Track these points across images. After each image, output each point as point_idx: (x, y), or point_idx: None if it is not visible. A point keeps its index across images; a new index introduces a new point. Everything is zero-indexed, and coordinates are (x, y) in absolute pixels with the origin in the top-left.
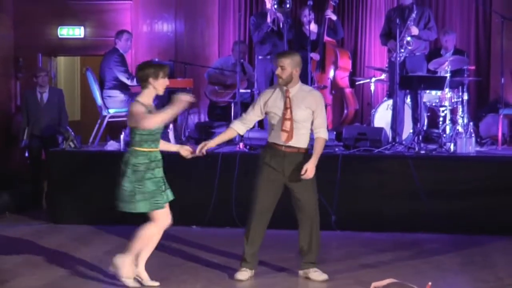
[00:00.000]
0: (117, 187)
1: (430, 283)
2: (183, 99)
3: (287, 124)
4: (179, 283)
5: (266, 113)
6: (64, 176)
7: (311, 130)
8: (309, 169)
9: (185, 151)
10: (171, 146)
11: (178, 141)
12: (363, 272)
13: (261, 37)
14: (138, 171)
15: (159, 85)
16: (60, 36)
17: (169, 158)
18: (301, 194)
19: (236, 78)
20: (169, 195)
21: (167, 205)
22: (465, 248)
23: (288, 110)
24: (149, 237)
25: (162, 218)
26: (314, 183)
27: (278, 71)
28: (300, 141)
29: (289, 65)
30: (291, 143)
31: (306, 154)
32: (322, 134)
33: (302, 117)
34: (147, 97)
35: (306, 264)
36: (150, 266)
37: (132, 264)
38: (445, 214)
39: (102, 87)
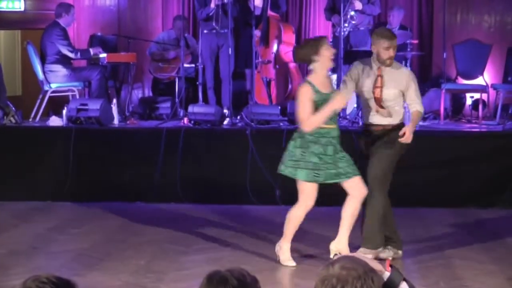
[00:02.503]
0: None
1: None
2: (340, 100)
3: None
4: (123, 258)
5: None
6: (4, 152)
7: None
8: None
9: None
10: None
11: (122, 116)
12: (308, 246)
13: (206, 15)
14: (305, 141)
15: (324, 57)
16: None
17: (114, 134)
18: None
19: (179, 52)
20: (329, 176)
21: (315, 185)
22: (408, 221)
23: (379, 89)
24: (295, 218)
25: (308, 195)
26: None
27: (392, 53)
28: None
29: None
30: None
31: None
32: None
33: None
34: (316, 76)
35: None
36: (93, 242)
37: (288, 249)
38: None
39: (43, 62)
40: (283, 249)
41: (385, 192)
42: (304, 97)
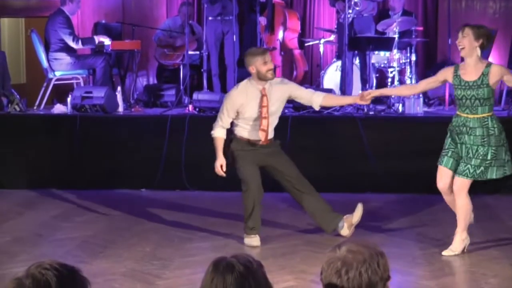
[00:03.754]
0: None
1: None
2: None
3: (265, 122)
4: (128, 246)
5: (238, 112)
6: (9, 140)
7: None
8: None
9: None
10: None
11: (126, 103)
12: (312, 233)
13: None
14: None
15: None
16: None
17: (119, 122)
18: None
19: (185, 39)
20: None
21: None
22: (413, 207)
23: (265, 108)
24: (466, 205)
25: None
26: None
27: (270, 65)
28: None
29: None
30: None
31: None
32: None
33: (277, 110)
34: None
35: None
36: (98, 229)
37: (463, 240)
38: (393, 174)
39: (47, 49)
40: (457, 238)
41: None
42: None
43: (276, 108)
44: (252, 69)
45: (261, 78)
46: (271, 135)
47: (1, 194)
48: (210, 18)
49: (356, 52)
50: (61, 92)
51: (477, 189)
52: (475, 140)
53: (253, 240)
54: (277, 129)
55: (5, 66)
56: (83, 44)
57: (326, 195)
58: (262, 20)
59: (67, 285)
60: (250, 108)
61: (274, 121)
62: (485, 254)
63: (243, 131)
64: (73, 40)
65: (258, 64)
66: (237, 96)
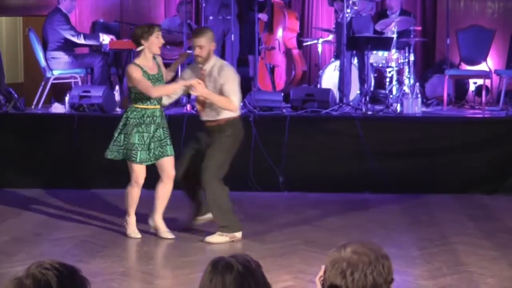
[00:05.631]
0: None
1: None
2: (193, 84)
3: (199, 102)
4: (126, 245)
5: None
6: (7, 139)
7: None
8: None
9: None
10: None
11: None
12: (311, 233)
13: None
14: (129, 125)
15: (152, 44)
16: None
17: (116, 121)
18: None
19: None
20: (150, 156)
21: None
22: (411, 207)
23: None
24: (130, 194)
25: (138, 174)
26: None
27: (197, 51)
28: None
29: (206, 43)
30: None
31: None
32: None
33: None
34: (143, 58)
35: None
36: (97, 229)
37: (134, 222)
38: (391, 174)
39: (45, 48)
40: (129, 223)
41: (217, 180)
42: (138, 74)
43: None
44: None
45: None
46: (212, 117)
47: None
48: (210, 17)
49: (354, 52)
50: (59, 91)
51: (474, 190)
52: None
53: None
54: (275, 128)
55: (1, 65)
56: (85, 38)
57: (325, 195)
58: (262, 16)
59: (67, 285)
60: None
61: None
62: (483, 254)
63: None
64: (74, 35)
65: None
66: (184, 72)
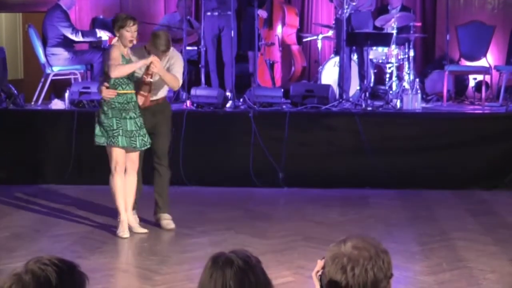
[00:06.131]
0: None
1: None
2: (153, 60)
3: (146, 88)
4: (126, 241)
5: None
6: (6, 135)
7: None
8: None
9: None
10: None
11: None
12: (311, 229)
13: None
14: (116, 109)
15: (121, 37)
16: None
17: None
18: None
19: (187, 32)
20: (125, 140)
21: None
22: (411, 203)
23: (149, 76)
24: (113, 186)
25: (116, 159)
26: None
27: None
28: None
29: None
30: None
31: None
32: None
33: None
34: (119, 44)
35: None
36: (96, 225)
37: (125, 220)
38: (391, 169)
39: (45, 45)
40: (120, 220)
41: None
42: (115, 52)
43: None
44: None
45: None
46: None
47: None
48: (208, 13)
49: (354, 47)
50: (58, 87)
51: (474, 185)
52: None
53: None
54: (275, 124)
55: (4, 62)
56: (83, 36)
57: (325, 191)
58: (262, 13)
59: (66, 280)
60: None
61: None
62: (483, 249)
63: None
64: (72, 33)
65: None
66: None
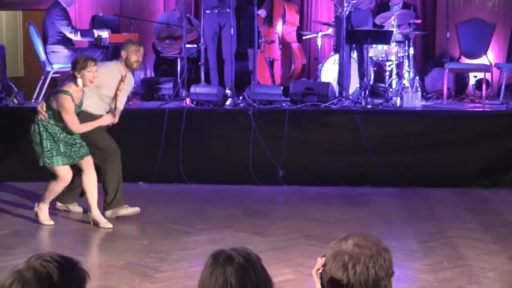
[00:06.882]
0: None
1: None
2: (109, 119)
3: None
4: (126, 239)
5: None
6: (7, 132)
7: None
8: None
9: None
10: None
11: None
12: (310, 227)
13: None
14: (49, 133)
15: (83, 77)
16: None
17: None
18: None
19: (186, 29)
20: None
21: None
22: (411, 201)
23: (119, 92)
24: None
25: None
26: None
27: (141, 59)
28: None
29: None
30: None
31: None
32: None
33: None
34: (74, 86)
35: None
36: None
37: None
38: (391, 167)
39: (45, 42)
40: (42, 210)
41: None
42: (69, 105)
43: (124, 94)
44: (123, 54)
45: (128, 65)
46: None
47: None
48: (207, 11)
49: (354, 45)
50: (59, 85)
51: (474, 183)
52: None
53: (128, 209)
54: (275, 122)
55: (4, 59)
56: (82, 35)
57: (325, 189)
58: (262, 13)
59: (67, 277)
60: (109, 87)
61: (119, 107)
62: (483, 248)
63: (93, 106)
64: (71, 32)
65: (130, 51)
66: (103, 70)
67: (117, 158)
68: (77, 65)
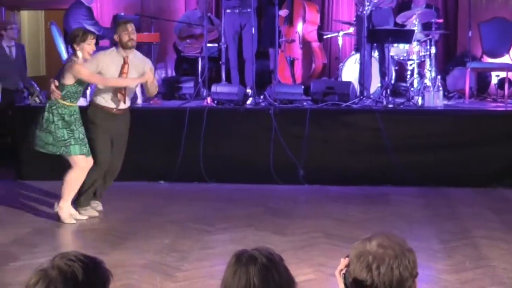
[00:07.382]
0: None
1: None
2: (148, 75)
3: (122, 88)
4: (147, 238)
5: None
6: (29, 132)
7: None
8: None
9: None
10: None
11: (145, 96)
12: (331, 226)
13: None
14: (65, 121)
15: (83, 50)
16: None
17: (136, 114)
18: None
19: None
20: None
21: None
22: (432, 200)
23: (124, 74)
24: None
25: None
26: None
27: (134, 36)
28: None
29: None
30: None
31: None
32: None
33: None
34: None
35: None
36: (117, 221)
37: (69, 207)
38: (412, 167)
39: (67, 42)
40: (63, 208)
41: None
42: (86, 70)
43: (134, 75)
44: (116, 38)
45: (123, 46)
46: (127, 103)
47: (22, 185)
48: (228, 10)
49: (375, 44)
50: None
51: (496, 183)
52: None
53: (89, 211)
54: (295, 121)
55: (24, 59)
56: (104, 33)
57: (346, 188)
58: (283, 13)
59: (92, 277)
60: (112, 72)
61: (131, 89)
62: (506, 248)
63: (101, 98)
64: (98, 31)
65: (120, 33)
66: (102, 57)
67: (100, 171)
68: (77, 38)
